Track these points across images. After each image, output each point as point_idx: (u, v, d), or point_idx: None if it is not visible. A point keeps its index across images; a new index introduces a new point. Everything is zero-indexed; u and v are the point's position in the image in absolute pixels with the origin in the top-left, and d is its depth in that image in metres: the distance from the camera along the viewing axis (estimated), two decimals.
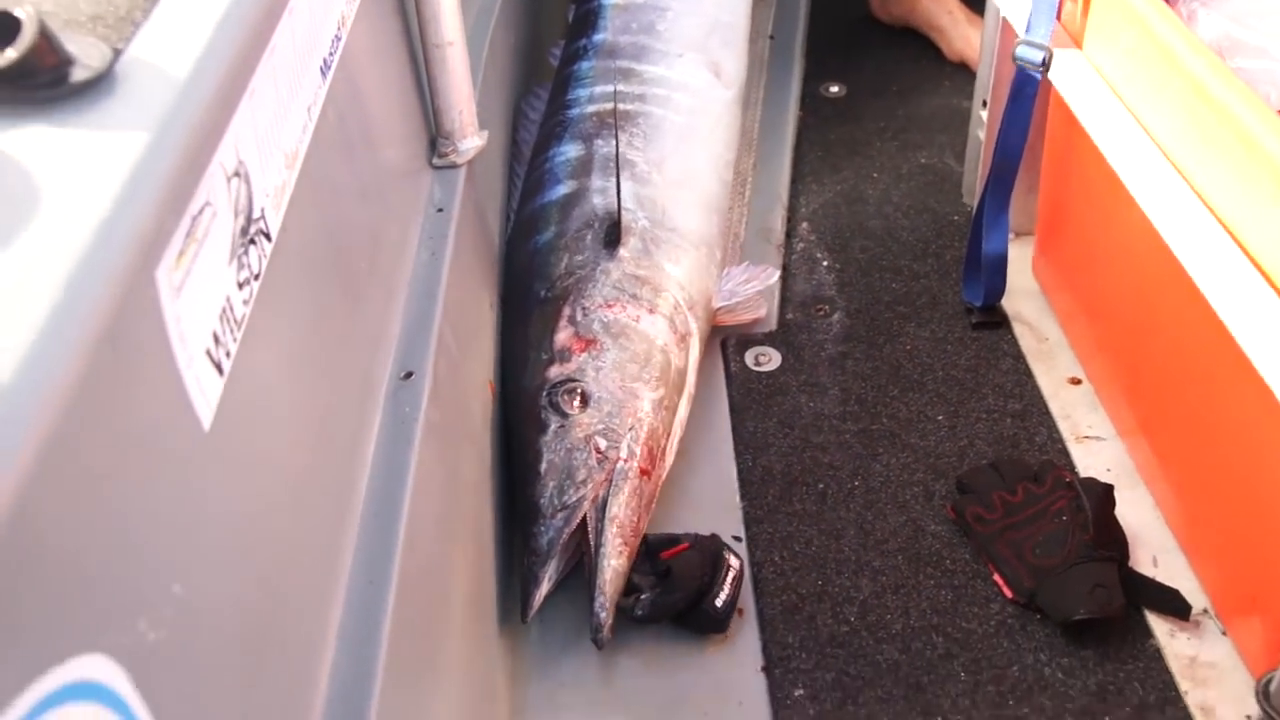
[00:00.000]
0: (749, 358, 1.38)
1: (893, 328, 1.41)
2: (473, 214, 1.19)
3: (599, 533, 1.06)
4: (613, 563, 1.04)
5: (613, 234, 1.29)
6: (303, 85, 0.78)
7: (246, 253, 0.64)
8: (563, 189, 1.38)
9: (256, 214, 0.66)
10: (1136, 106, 1.02)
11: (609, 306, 1.22)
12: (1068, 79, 1.13)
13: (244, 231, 0.64)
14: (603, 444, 1.11)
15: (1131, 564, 1.10)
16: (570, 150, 1.42)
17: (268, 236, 0.68)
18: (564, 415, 1.12)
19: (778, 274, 1.43)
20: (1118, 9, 1.04)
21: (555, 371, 1.16)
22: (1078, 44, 1.13)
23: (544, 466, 1.10)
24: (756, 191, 1.62)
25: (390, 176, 1.03)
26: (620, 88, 1.46)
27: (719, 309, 1.37)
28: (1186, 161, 0.94)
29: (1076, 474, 1.18)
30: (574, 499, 1.07)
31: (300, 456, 0.71)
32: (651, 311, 1.24)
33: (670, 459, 1.19)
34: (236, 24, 0.65)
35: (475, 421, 1.11)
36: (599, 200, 1.34)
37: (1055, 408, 1.28)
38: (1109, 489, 1.12)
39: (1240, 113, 0.86)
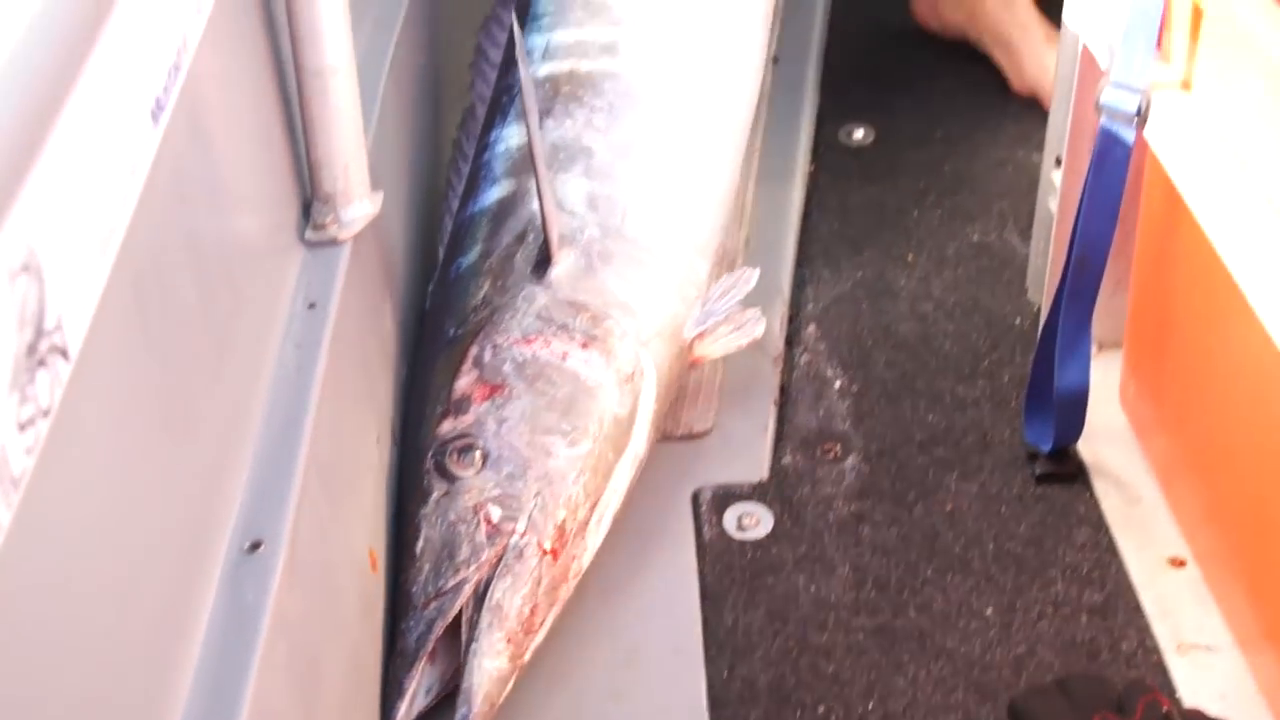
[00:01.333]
0: (729, 520, 1.37)
1: (927, 480, 1.41)
2: (359, 311, 1.19)
3: (473, 624, 1.10)
4: (486, 664, 1.09)
5: (542, 250, 1.33)
6: (124, 138, 0.78)
7: (33, 381, 0.63)
8: (496, 192, 1.41)
9: (50, 324, 0.65)
10: (1266, 174, 1.00)
11: (527, 342, 1.28)
12: (1170, 135, 1.13)
13: (31, 350, 0.63)
14: (496, 514, 1.16)
15: None
16: (513, 134, 1.44)
17: (64, 355, 0.67)
18: (450, 479, 1.19)
19: (756, 274, 1.41)
20: (1240, 37, 1.02)
21: (447, 427, 1.23)
22: (1185, 86, 1.14)
23: (420, 546, 1.16)
24: None
25: (244, 258, 1.04)
26: (581, 34, 1.46)
27: (695, 338, 1.38)
28: None
29: (1177, 702, 1.17)
30: (451, 584, 1.13)
31: (81, 673, 0.69)
32: (586, 346, 1.28)
33: (597, 538, 1.23)
34: (24, 60, 0.64)
35: (349, 608, 1.10)
36: (538, 206, 1.36)
37: (1149, 601, 1.28)
38: None
39: None
